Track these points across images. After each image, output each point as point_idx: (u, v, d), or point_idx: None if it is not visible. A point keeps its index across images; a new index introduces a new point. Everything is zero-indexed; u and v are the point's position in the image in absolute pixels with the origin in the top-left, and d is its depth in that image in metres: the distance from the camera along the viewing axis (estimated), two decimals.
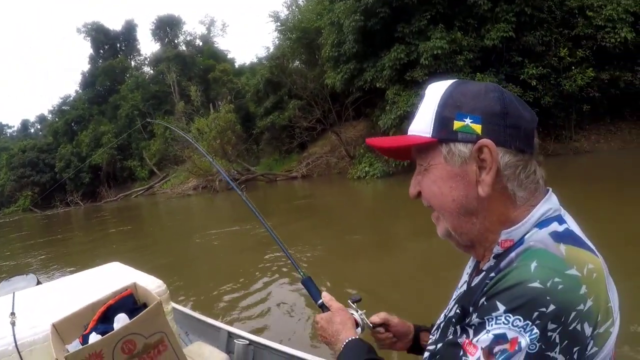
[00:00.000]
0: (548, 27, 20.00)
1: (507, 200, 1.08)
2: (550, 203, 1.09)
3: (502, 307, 0.91)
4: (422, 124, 1.13)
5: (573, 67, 19.61)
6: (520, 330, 0.88)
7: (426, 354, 1.20)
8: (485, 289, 1.00)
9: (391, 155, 1.33)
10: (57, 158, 63.71)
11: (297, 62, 34.40)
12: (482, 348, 0.92)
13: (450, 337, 1.10)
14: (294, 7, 34.56)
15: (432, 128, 1.10)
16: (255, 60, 50.45)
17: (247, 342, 3.57)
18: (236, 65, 63.95)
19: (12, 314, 2.70)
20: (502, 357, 0.89)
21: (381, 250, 10.34)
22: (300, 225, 14.66)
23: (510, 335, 0.89)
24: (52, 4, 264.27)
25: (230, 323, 6.14)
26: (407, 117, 19.16)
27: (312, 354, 3.35)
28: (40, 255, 20.16)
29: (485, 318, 0.94)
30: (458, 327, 1.08)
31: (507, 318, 0.90)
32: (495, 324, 0.91)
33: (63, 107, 74.97)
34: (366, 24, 21.03)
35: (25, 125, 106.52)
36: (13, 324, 2.59)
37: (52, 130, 70.26)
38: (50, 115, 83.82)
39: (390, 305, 6.54)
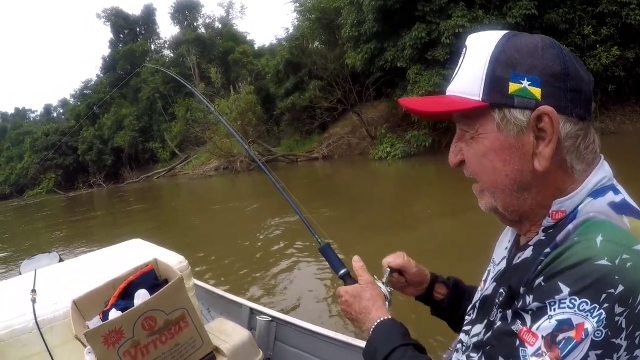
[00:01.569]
0: (571, 4, 19.53)
1: (564, 173, 0.98)
2: (604, 171, 1.00)
3: (566, 289, 0.81)
4: (467, 84, 1.01)
5: (597, 46, 19.18)
6: (587, 315, 0.79)
7: (468, 341, 1.13)
8: (541, 267, 0.89)
9: (427, 117, 1.23)
10: (80, 141, 64.40)
11: (316, 43, 34.04)
12: (543, 336, 0.83)
13: (499, 323, 0.99)
14: None
15: (481, 90, 0.98)
16: (274, 41, 50.21)
17: (270, 318, 3.52)
18: (256, 46, 63.74)
19: (33, 291, 2.72)
20: (567, 346, 0.80)
21: (402, 230, 10.29)
22: (321, 204, 14.64)
23: (576, 320, 0.80)
24: None
25: (252, 299, 6.15)
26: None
27: (337, 330, 3.32)
28: (62, 234, 20.47)
29: (546, 302, 0.83)
30: (509, 312, 0.96)
31: (573, 301, 0.80)
32: (559, 308, 0.82)
33: (85, 91, 75.82)
34: (386, 2, 20.77)
35: (48, 109, 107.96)
36: (33, 300, 2.59)
37: (74, 114, 70.81)
38: (72, 99, 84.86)
39: None
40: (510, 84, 0.94)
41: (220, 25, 68.37)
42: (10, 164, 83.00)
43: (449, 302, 1.55)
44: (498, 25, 18.78)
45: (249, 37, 67.41)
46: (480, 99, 0.98)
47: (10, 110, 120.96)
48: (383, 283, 1.47)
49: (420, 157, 21.53)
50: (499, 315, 1.01)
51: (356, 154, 28.36)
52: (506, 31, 1.01)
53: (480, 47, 1.00)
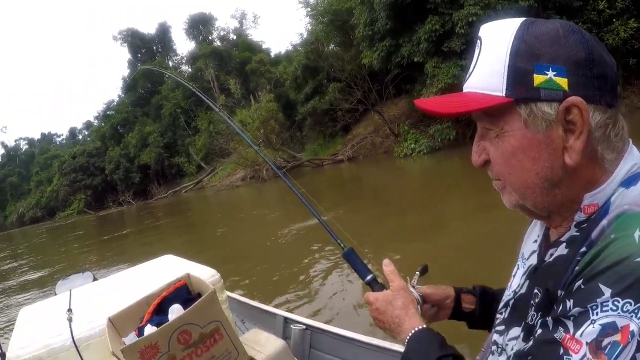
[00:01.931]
0: None
1: (595, 165, 0.93)
2: (633, 157, 0.94)
3: (607, 290, 0.77)
4: (487, 79, 0.95)
5: (614, 20, 18.87)
6: (632, 316, 0.75)
7: (504, 342, 1.09)
8: (579, 268, 0.85)
9: (446, 117, 1.12)
10: (107, 161, 65.77)
11: (332, 45, 34.12)
12: (587, 343, 0.78)
13: (540, 331, 0.92)
14: None
15: (504, 85, 0.92)
16: (290, 47, 50.32)
17: (304, 326, 3.52)
18: (272, 54, 64.07)
19: (69, 310, 2.75)
20: (613, 351, 0.75)
21: (431, 229, 10.21)
22: (348, 207, 14.63)
23: (621, 323, 0.75)
24: (87, 18, 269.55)
25: (286, 308, 6.15)
26: (449, 89, 18.87)
27: (372, 335, 3.27)
28: (95, 253, 20.78)
29: (588, 306, 0.79)
30: (549, 319, 0.89)
31: (616, 303, 0.76)
32: (602, 311, 0.77)
33: (108, 112, 77.54)
34: None
35: (73, 132, 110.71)
36: (70, 319, 2.63)
37: (99, 135, 72.71)
38: (96, 121, 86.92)
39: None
40: (535, 76, 0.89)
41: (235, 37, 68.80)
42: (41, 188, 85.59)
43: (482, 310, 1.47)
44: (511, 10, 18.62)
45: (264, 46, 67.88)
46: (504, 94, 0.92)
47: (37, 136, 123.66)
48: (413, 287, 1.40)
49: (445, 150, 21.44)
50: (538, 321, 0.96)
51: (381, 152, 28.29)
52: (522, 18, 0.95)
53: (497, 38, 0.95)
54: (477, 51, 1.00)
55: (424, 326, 1.21)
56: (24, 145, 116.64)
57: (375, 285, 1.46)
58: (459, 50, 19.05)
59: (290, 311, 5.51)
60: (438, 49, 20.20)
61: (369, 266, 1.56)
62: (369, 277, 1.50)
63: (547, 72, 0.88)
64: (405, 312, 1.27)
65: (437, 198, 13.52)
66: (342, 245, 1.72)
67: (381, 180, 20.65)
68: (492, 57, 0.95)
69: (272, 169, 2.28)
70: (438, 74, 19.66)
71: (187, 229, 22.56)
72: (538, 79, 0.88)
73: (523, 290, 1.08)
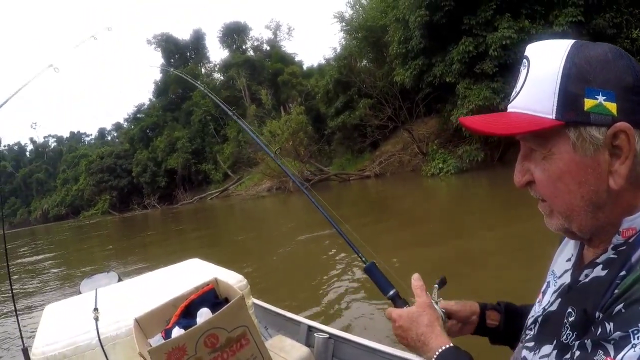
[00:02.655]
0: (617, 8, 19.10)
1: (636, 189, 0.93)
2: None
3: None
4: (536, 101, 0.94)
5: None
6: None
7: None
8: (619, 292, 0.85)
9: (492, 135, 1.04)
10: (134, 163, 66.37)
11: (364, 61, 34.14)
12: None
13: (579, 353, 0.88)
14: (357, 7, 34.18)
15: (554, 107, 0.91)
16: (322, 61, 50.35)
17: (327, 335, 3.47)
18: (304, 67, 64.16)
19: (96, 309, 2.78)
20: None
21: (456, 249, 10.11)
22: (373, 222, 14.58)
23: None
24: (124, 20, 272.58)
25: (308, 316, 6.15)
26: (479, 110, 18.84)
27: (396, 347, 3.26)
28: (118, 254, 20.79)
29: (629, 330, 0.77)
30: (588, 342, 0.86)
31: None
32: None
33: (138, 115, 77.81)
34: (432, 18, 20.77)
35: (102, 133, 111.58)
36: (96, 319, 2.65)
37: (128, 137, 73.45)
38: (125, 123, 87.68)
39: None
40: (586, 100, 0.89)
41: (268, 47, 69.10)
42: (66, 186, 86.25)
43: (506, 327, 1.47)
44: (545, 34, 18.51)
45: (297, 58, 68.07)
46: (554, 117, 0.91)
47: (66, 134, 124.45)
48: (437, 303, 1.38)
49: (473, 172, 21.30)
50: (575, 342, 0.93)
51: (408, 171, 28.14)
52: (570, 40, 0.95)
53: (547, 59, 0.94)
54: (523, 71, 0.99)
55: (451, 345, 1.20)
56: (52, 143, 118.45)
57: (398, 300, 1.44)
58: (491, 72, 18.97)
59: (315, 319, 5.52)
60: (470, 70, 20.13)
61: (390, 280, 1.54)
62: (391, 293, 1.48)
63: (598, 97, 0.88)
64: (431, 329, 1.25)
65: (463, 218, 13.40)
66: (363, 259, 1.70)
67: (408, 198, 20.49)
68: (541, 78, 0.94)
69: (294, 182, 2.27)
70: (469, 95, 19.59)
71: (211, 235, 22.59)
72: (588, 103, 0.88)
73: (554, 308, 1.08)
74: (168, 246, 20.30)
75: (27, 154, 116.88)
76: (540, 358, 1.05)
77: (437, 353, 1.18)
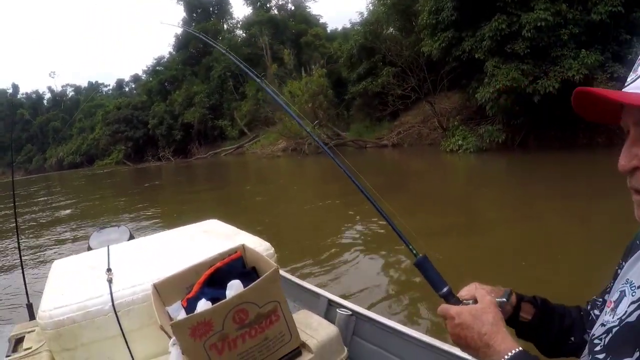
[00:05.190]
0: None
1: None
2: None
3: None
4: None
5: None
6: None
7: None
8: None
9: (592, 118, 1.01)
10: (151, 115, 66.45)
11: (391, 29, 33.75)
12: None
13: None
14: None
15: None
16: (347, 26, 50.04)
17: (350, 312, 3.33)
18: (328, 30, 63.82)
19: (109, 270, 2.66)
20: None
21: (467, 229, 9.99)
22: (393, 196, 14.49)
23: None
24: None
25: (324, 287, 6.01)
26: (506, 91, 18.67)
27: (420, 330, 3.11)
28: (130, 204, 20.93)
29: None
30: None
31: None
32: None
33: (157, 68, 77.59)
34: None
35: (120, 84, 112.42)
36: (109, 281, 2.54)
37: (146, 89, 73.43)
38: (144, 75, 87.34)
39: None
40: None
41: (293, 7, 68.48)
42: (82, 135, 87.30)
43: (538, 323, 1.40)
44: (582, 22, 18.18)
45: (321, 21, 67.57)
46: None
47: (84, 84, 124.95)
48: (501, 307, 1.29)
49: (492, 153, 21.11)
50: None
51: (426, 144, 28.03)
52: None
53: None
54: None
55: (521, 349, 1.10)
56: (70, 92, 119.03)
57: (451, 298, 1.33)
58: (522, 53, 18.56)
59: (322, 286, 5.35)
60: (501, 48, 19.68)
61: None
62: (445, 290, 1.35)
63: None
64: (496, 329, 1.15)
65: (483, 198, 13.29)
66: (414, 252, 1.50)
67: (425, 172, 20.44)
68: None
69: (323, 150, 2.08)
70: (497, 74, 19.18)
71: (225, 192, 22.65)
72: None
73: (632, 319, 0.98)
74: (182, 202, 20.33)
75: (45, 102, 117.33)
76: None
77: (506, 357, 1.08)
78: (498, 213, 11.45)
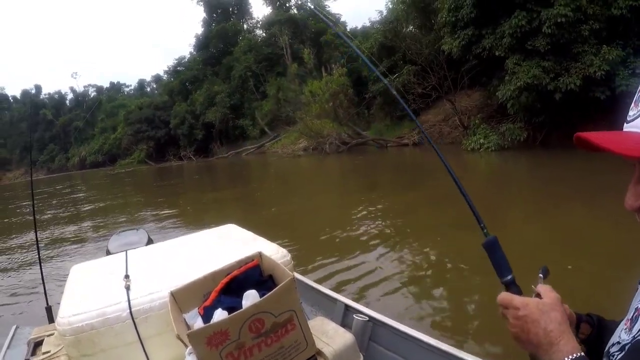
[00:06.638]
0: None
1: None
2: None
3: None
4: None
5: None
6: None
7: None
8: None
9: (605, 150, 1.04)
10: (172, 115, 66.78)
11: (410, 27, 33.63)
12: None
13: None
14: None
15: None
16: (367, 24, 49.89)
17: (367, 318, 3.32)
18: (347, 29, 63.67)
19: (127, 276, 2.69)
20: None
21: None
22: (413, 196, 14.42)
23: None
24: None
25: (339, 291, 5.97)
26: (527, 89, 18.56)
27: (440, 339, 3.01)
28: (150, 204, 21.07)
29: None
30: None
31: None
32: None
33: (178, 68, 78.02)
34: None
35: (141, 84, 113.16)
36: (127, 288, 2.57)
37: (167, 89, 74.11)
38: (165, 76, 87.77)
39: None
40: None
41: (312, 6, 68.39)
42: (104, 134, 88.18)
43: (594, 341, 1.32)
44: (603, 17, 17.95)
45: (341, 19, 67.40)
46: None
47: (106, 85, 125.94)
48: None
49: (514, 151, 20.91)
50: None
51: (447, 143, 27.86)
52: None
53: None
54: None
55: (583, 354, 1.06)
56: (92, 92, 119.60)
57: (513, 287, 1.28)
58: (543, 50, 18.38)
59: (336, 290, 5.33)
60: (521, 45, 19.50)
61: None
62: (509, 277, 1.29)
63: None
64: (562, 329, 1.10)
65: (503, 198, 13.19)
66: (485, 230, 1.44)
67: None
68: None
69: (432, 146, 1.99)
70: (518, 71, 19.02)
71: (244, 191, 22.72)
72: None
73: None
74: (201, 200, 20.45)
75: (67, 102, 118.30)
76: None
77: (569, 358, 1.04)
78: (518, 212, 11.37)
